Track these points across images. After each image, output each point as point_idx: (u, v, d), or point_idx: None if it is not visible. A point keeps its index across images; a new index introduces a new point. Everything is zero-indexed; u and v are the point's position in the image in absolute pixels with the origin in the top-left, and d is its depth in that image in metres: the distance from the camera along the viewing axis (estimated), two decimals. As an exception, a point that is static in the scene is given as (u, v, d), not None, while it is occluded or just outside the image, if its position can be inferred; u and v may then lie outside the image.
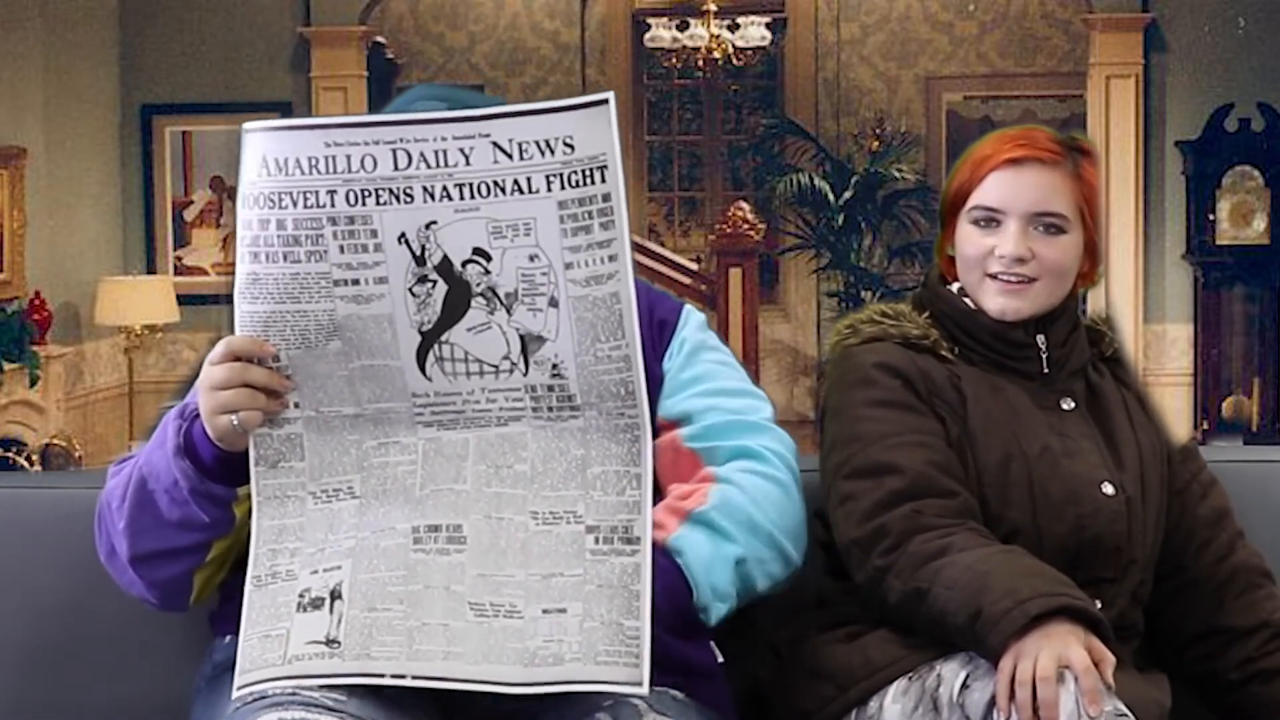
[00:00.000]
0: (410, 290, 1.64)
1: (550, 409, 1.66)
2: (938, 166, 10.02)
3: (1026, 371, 1.99)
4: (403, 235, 1.62)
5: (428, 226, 1.61)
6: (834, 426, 1.97)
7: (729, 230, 7.64)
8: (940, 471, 1.89)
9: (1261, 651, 1.95)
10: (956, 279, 2.03)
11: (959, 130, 10.02)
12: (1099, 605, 1.85)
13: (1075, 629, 1.71)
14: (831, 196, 9.67)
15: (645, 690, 1.61)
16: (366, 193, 1.61)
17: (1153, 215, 7.67)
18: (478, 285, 1.63)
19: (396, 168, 1.59)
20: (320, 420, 1.70)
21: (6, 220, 6.76)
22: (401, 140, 1.59)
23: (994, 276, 1.97)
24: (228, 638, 1.82)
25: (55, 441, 6.06)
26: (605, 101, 1.64)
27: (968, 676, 1.75)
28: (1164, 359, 7.66)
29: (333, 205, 1.61)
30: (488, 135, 1.59)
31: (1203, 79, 7.58)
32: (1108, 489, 1.93)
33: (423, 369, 1.66)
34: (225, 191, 8.00)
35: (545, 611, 1.64)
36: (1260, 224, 7.51)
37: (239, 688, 1.66)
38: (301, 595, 1.68)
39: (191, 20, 7.93)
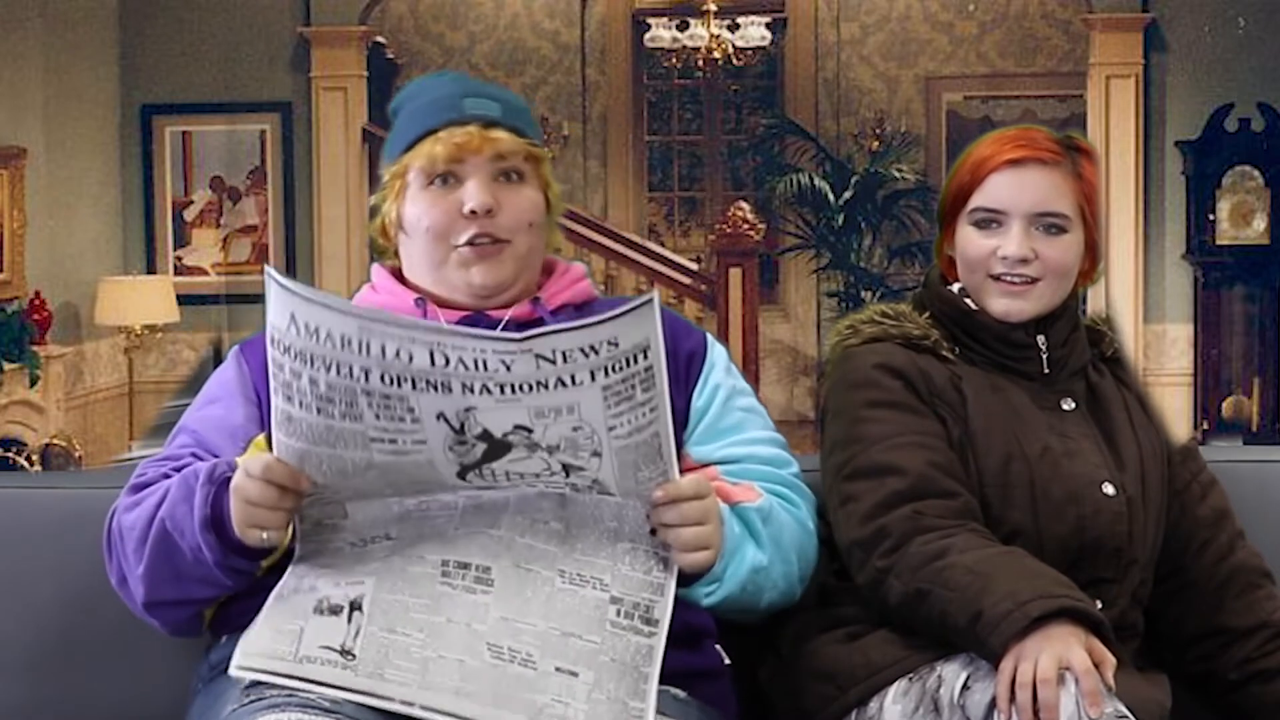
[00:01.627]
0: (449, 449, 1.62)
1: (580, 489, 1.68)
2: (938, 166, 10.02)
3: (1027, 372, 1.99)
4: (441, 414, 1.59)
5: (467, 410, 1.59)
6: (835, 427, 1.97)
7: (729, 230, 7.64)
8: (941, 472, 1.89)
9: (1260, 652, 1.96)
10: (957, 279, 2.03)
11: (959, 130, 10.02)
12: (1099, 605, 1.86)
13: (1076, 630, 1.71)
14: (831, 196, 9.67)
15: None
16: (403, 378, 1.57)
17: (1153, 215, 7.67)
18: (520, 444, 1.62)
19: (433, 364, 1.57)
20: (362, 496, 1.70)
21: (6, 220, 6.75)
22: (439, 344, 1.56)
23: (997, 278, 1.97)
24: (225, 638, 1.83)
25: (55, 441, 6.06)
26: (650, 302, 1.59)
27: (968, 678, 1.76)
28: (1164, 359, 7.66)
29: (366, 381, 1.58)
30: (529, 350, 1.56)
31: (1203, 79, 7.58)
32: (1108, 489, 1.93)
33: (463, 478, 1.66)
34: (225, 191, 8.00)
35: (558, 670, 1.65)
36: (1260, 224, 7.51)
37: (238, 666, 1.66)
38: (320, 601, 1.68)
39: (191, 20, 7.93)
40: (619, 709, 1.63)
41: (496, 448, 1.61)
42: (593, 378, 1.57)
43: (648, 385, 1.60)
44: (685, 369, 1.96)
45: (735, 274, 7.56)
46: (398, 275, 2.00)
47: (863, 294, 9.70)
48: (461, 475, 1.64)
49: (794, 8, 10.20)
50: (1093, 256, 2.02)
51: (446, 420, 1.59)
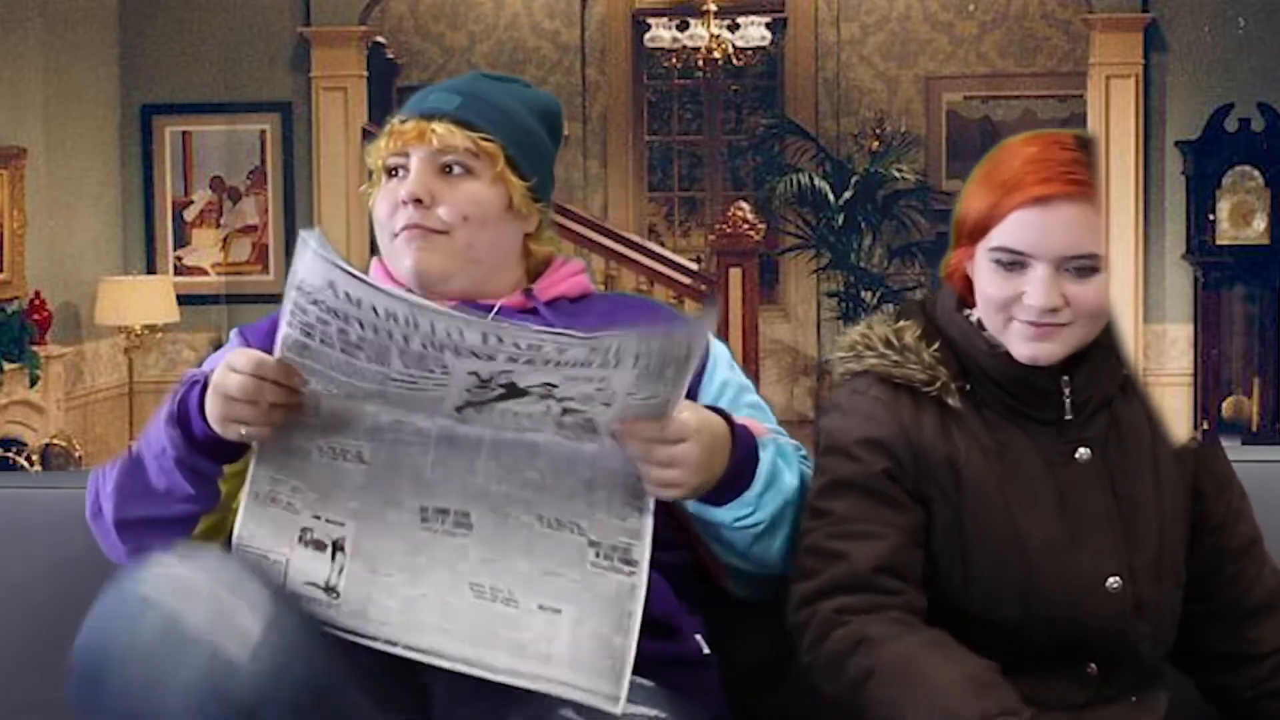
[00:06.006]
0: (467, 389, 1.62)
1: (571, 429, 1.66)
2: (938, 166, 10.03)
3: (1044, 418, 1.85)
4: (475, 373, 1.59)
5: (503, 373, 1.59)
6: (816, 479, 1.87)
7: (729, 230, 7.63)
8: (887, 574, 1.78)
9: (1271, 674, 1.91)
10: (973, 304, 1.87)
11: (959, 130, 10.02)
12: (1095, 668, 1.82)
13: None
14: (831, 196, 9.67)
15: (620, 710, 1.63)
16: (445, 347, 1.56)
17: (1153, 215, 7.67)
18: (537, 395, 1.62)
19: (485, 343, 1.55)
20: (338, 396, 1.68)
21: (6, 220, 6.76)
22: (495, 331, 1.54)
23: (1022, 320, 1.80)
24: None
25: (55, 441, 6.06)
26: (703, 329, 1.62)
27: None
28: (1164, 359, 7.66)
29: (406, 345, 1.57)
30: (588, 344, 1.55)
31: (1203, 79, 7.58)
32: (1114, 584, 1.81)
33: (459, 410, 1.65)
34: (225, 191, 8.00)
35: (541, 607, 1.65)
36: (1260, 224, 7.51)
37: (240, 543, 1.68)
38: (303, 531, 1.68)
39: (191, 20, 7.93)
40: (602, 643, 1.64)
41: (513, 395, 1.61)
42: (635, 363, 1.57)
43: (679, 372, 1.61)
44: None
45: (735, 274, 7.56)
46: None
47: (863, 294, 9.71)
48: (459, 408, 1.63)
49: (794, 8, 10.20)
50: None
51: (478, 375, 1.59)
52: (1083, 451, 1.84)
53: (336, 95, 7.89)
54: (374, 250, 2.06)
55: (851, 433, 1.84)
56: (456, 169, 1.94)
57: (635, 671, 1.68)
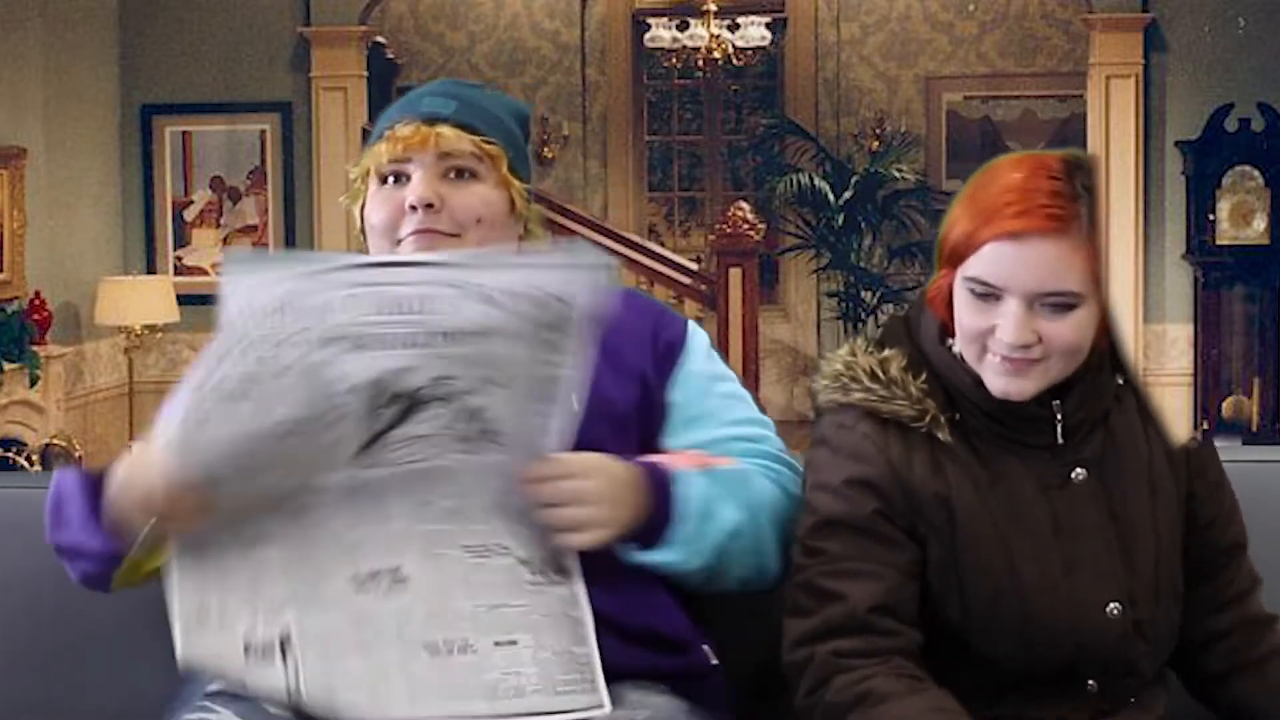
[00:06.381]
0: (361, 418, 1.60)
1: (469, 440, 1.63)
2: (938, 166, 10.02)
3: (1037, 444, 1.80)
4: (364, 386, 1.58)
5: (398, 370, 1.58)
6: (805, 516, 1.82)
7: (729, 230, 7.63)
8: (883, 613, 1.74)
9: (1244, 643, 1.88)
10: (954, 332, 1.82)
11: (959, 130, 10.02)
12: (1094, 686, 1.80)
13: None
14: (831, 196, 9.67)
15: (608, 709, 1.65)
16: (341, 338, 1.56)
17: (1153, 215, 7.66)
18: (433, 397, 1.60)
19: (379, 314, 1.57)
20: (237, 473, 1.63)
21: (6, 220, 6.75)
22: (382, 287, 1.57)
23: (995, 353, 1.75)
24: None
25: (55, 441, 6.06)
26: (605, 268, 1.62)
27: None
28: (1164, 359, 7.66)
29: (289, 356, 1.57)
30: (479, 291, 1.57)
31: (1203, 79, 7.58)
32: (1113, 609, 1.78)
33: (357, 455, 1.63)
34: (225, 191, 8.00)
35: (497, 644, 1.65)
36: (1260, 224, 7.51)
37: (186, 665, 1.68)
38: (246, 646, 1.65)
39: (191, 20, 7.93)
40: (566, 660, 1.65)
41: (411, 407, 1.59)
42: (534, 330, 1.57)
43: (575, 341, 1.60)
44: (663, 359, 1.93)
45: (735, 274, 7.56)
46: None
47: (863, 294, 9.71)
48: (360, 450, 1.61)
49: (794, 8, 10.20)
50: (1104, 319, 1.79)
51: (371, 394, 1.57)
52: (1078, 473, 1.80)
53: (336, 95, 7.89)
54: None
55: (840, 471, 1.79)
56: (463, 174, 1.91)
57: (652, 679, 1.69)
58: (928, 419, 1.78)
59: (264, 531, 1.65)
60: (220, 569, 1.65)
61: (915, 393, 1.79)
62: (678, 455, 1.85)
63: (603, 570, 1.72)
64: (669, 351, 1.94)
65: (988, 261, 1.72)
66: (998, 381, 1.75)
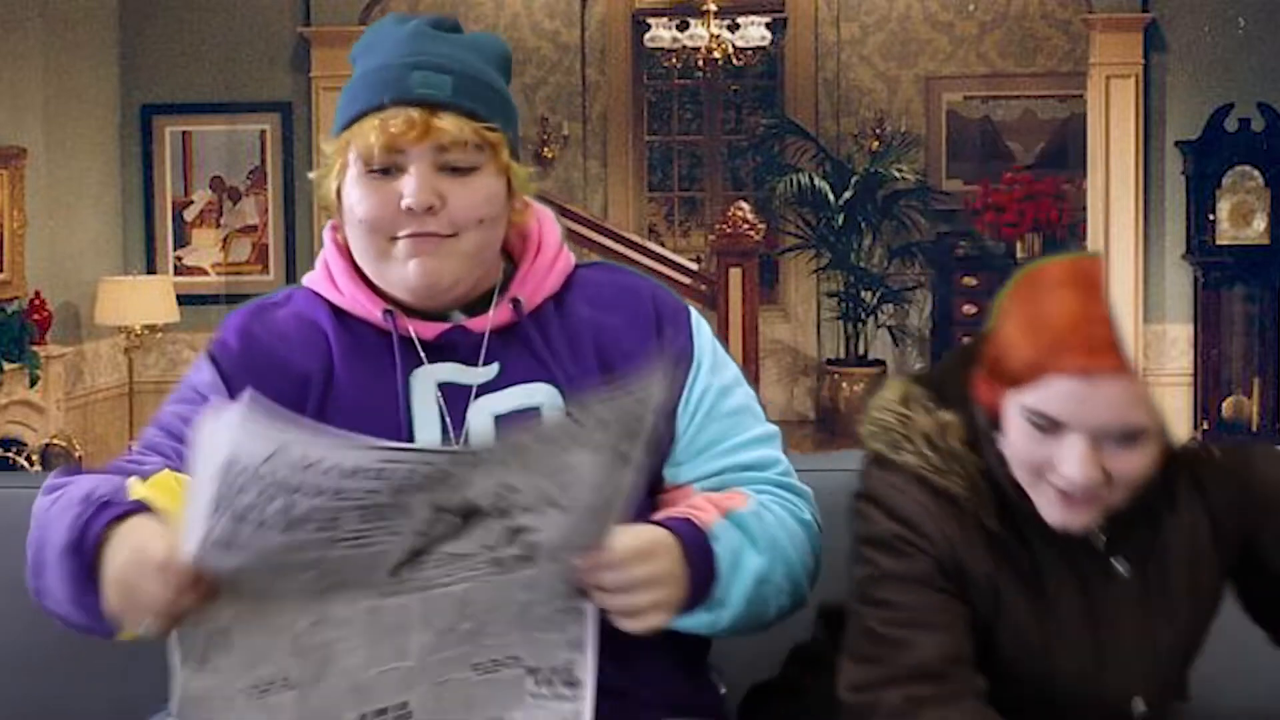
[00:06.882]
0: (417, 532, 1.44)
1: (502, 563, 1.51)
2: (938, 166, 10.03)
3: (1083, 549, 1.74)
4: (437, 505, 1.42)
5: (462, 486, 1.43)
6: (861, 566, 1.74)
7: (729, 230, 7.63)
8: (955, 663, 1.69)
9: None
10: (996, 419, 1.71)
11: (959, 130, 10.02)
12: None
13: None
14: (831, 196, 9.66)
15: None
16: (414, 490, 1.39)
17: (1153, 215, 7.66)
18: (493, 508, 1.46)
19: (454, 471, 1.40)
20: (250, 604, 1.45)
21: (6, 220, 6.75)
22: (475, 461, 1.42)
23: (1055, 485, 1.66)
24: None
25: (55, 441, 6.06)
26: (658, 376, 1.48)
27: None
28: (1164, 359, 7.66)
29: (364, 500, 1.38)
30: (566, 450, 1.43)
31: (1203, 79, 7.58)
32: (1140, 705, 1.76)
33: (394, 574, 1.47)
34: (225, 191, 8.00)
35: None
36: (1260, 224, 7.51)
37: None
38: None
39: (191, 20, 7.93)
40: None
41: (469, 520, 1.45)
42: (613, 442, 1.44)
43: (645, 446, 1.47)
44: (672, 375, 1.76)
45: (735, 274, 7.56)
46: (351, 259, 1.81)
47: (863, 294, 9.71)
48: (396, 568, 1.46)
49: (794, 8, 10.20)
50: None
51: (437, 505, 1.43)
52: (1121, 568, 1.74)
53: (336, 95, 7.81)
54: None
55: (894, 529, 1.71)
56: (462, 168, 1.73)
57: (663, 713, 1.63)
58: (976, 505, 1.71)
59: (278, 674, 1.48)
60: (230, 716, 1.48)
61: (973, 471, 1.71)
62: (694, 501, 1.73)
63: (611, 640, 1.59)
64: (678, 365, 1.79)
65: (1055, 397, 1.63)
66: (1055, 513, 1.67)
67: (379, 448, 1.36)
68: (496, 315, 1.77)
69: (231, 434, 1.32)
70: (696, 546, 1.65)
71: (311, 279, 1.83)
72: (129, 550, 1.46)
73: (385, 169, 1.72)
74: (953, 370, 1.78)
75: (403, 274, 1.73)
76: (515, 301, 1.78)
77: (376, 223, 1.72)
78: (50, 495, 1.66)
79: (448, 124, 1.70)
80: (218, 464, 1.33)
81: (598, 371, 1.76)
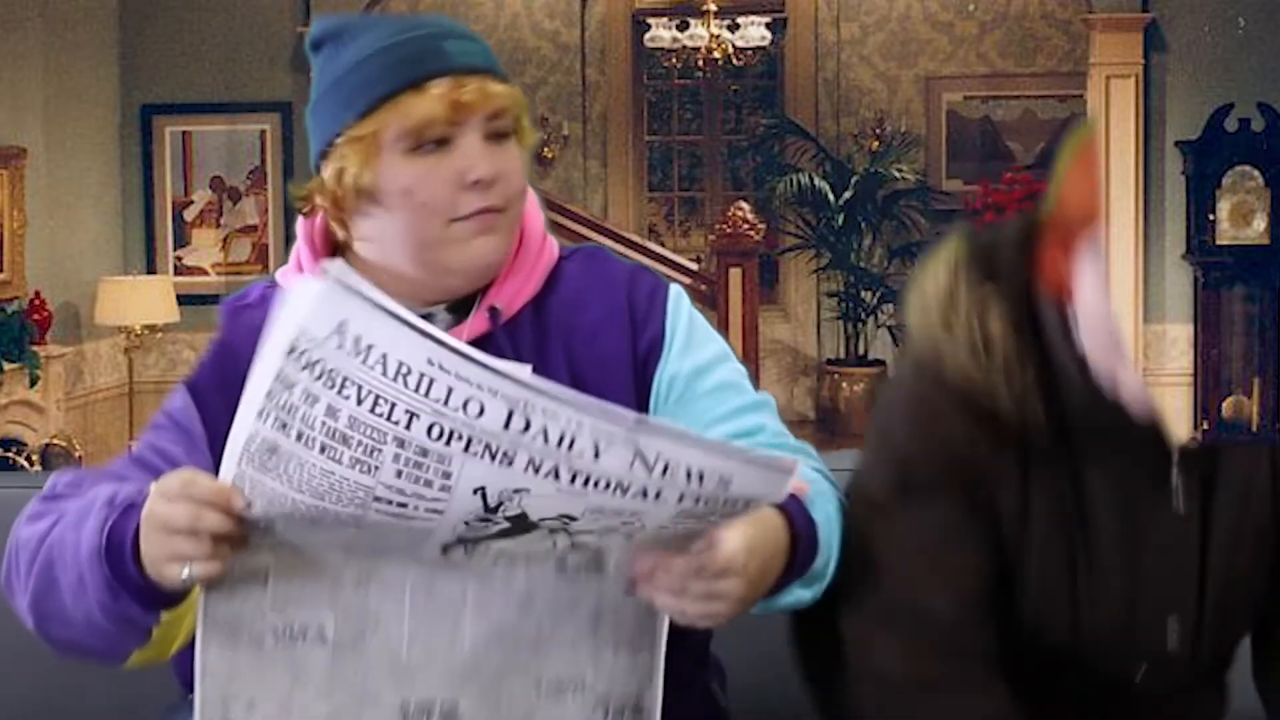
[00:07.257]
0: (465, 523, 1.34)
1: (575, 567, 1.41)
2: (938, 166, 10.02)
3: (1144, 464, 1.61)
4: (481, 490, 1.30)
5: (516, 491, 1.31)
6: (877, 485, 1.65)
7: (729, 230, 7.64)
8: (970, 620, 1.58)
9: None
10: (1067, 301, 1.57)
11: (959, 130, 10.02)
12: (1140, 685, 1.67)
13: None
14: (831, 196, 9.67)
15: None
16: (456, 435, 1.27)
17: (1153, 215, 7.66)
18: (548, 528, 1.35)
19: (507, 428, 1.27)
20: (292, 547, 1.37)
21: (6, 220, 6.76)
22: (527, 405, 1.27)
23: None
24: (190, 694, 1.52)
25: (55, 441, 6.06)
26: (790, 471, 1.35)
27: None
28: (1164, 359, 7.66)
29: (407, 429, 1.27)
30: (634, 442, 1.28)
31: (1203, 79, 7.58)
32: (1174, 630, 1.62)
33: (444, 552, 1.38)
34: (225, 191, 8.00)
35: None
36: (1260, 224, 7.51)
37: None
38: None
39: (191, 20, 7.93)
40: None
41: (519, 529, 1.34)
42: (679, 500, 1.32)
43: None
44: (642, 366, 1.70)
45: (735, 274, 7.56)
46: (332, 250, 1.70)
47: (863, 294, 9.71)
48: (446, 548, 1.37)
49: (794, 8, 10.20)
50: None
51: (484, 496, 1.30)
52: (1179, 503, 1.62)
53: (336, 95, 7.87)
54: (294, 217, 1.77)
55: (921, 451, 1.61)
56: (501, 135, 1.64)
57: None
58: (1024, 419, 1.58)
59: (315, 622, 1.40)
60: (255, 664, 1.40)
61: (1022, 382, 1.57)
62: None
63: None
64: (649, 353, 1.70)
65: None
66: (1144, 394, 1.54)
67: (434, 340, 1.26)
68: (473, 326, 1.68)
69: (309, 303, 1.26)
70: (802, 528, 1.55)
71: (285, 274, 1.74)
72: (176, 482, 1.37)
73: (439, 141, 1.60)
74: (1008, 247, 1.65)
75: (466, 255, 1.63)
76: (493, 310, 1.68)
77: (438, 202, 1.61)
78: (40, 521, 1.56)
79: (498, 90, 1.63)
80: (289, 337, 1.26)
81: (567, 384, 1.70)
